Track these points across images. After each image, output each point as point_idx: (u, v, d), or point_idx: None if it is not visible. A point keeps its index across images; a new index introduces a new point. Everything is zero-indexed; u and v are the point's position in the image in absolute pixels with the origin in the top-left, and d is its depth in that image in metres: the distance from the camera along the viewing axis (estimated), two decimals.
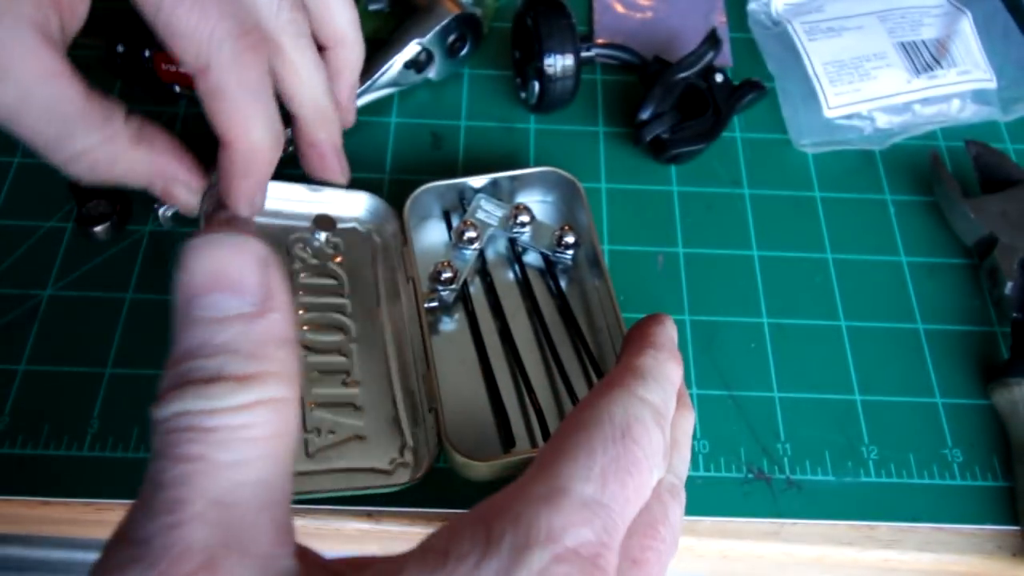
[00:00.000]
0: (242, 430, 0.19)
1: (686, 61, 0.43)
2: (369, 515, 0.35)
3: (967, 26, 0.48)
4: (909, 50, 0.47)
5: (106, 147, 0.30)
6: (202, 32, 0.27)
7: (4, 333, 0.38)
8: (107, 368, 0.37)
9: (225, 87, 0.28)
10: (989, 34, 0.48)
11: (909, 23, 0.48)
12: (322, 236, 0.40)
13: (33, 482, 0.35)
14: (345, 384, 0.36)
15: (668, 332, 0.29)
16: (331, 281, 0.39)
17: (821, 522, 0.35)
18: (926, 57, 0.47)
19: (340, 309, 0.38)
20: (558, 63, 0.42)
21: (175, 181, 0.33)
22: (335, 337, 0.37)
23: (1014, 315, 0.39)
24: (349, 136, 0.45)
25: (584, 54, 0.44)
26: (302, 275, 0.39)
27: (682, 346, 0.39)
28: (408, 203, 0.39)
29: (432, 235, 0.41)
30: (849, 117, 0.46)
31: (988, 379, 0.38)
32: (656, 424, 0.24)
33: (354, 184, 0.40)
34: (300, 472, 0.34)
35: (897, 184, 0.44)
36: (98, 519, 0.35)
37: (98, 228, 0.40)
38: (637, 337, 0.28)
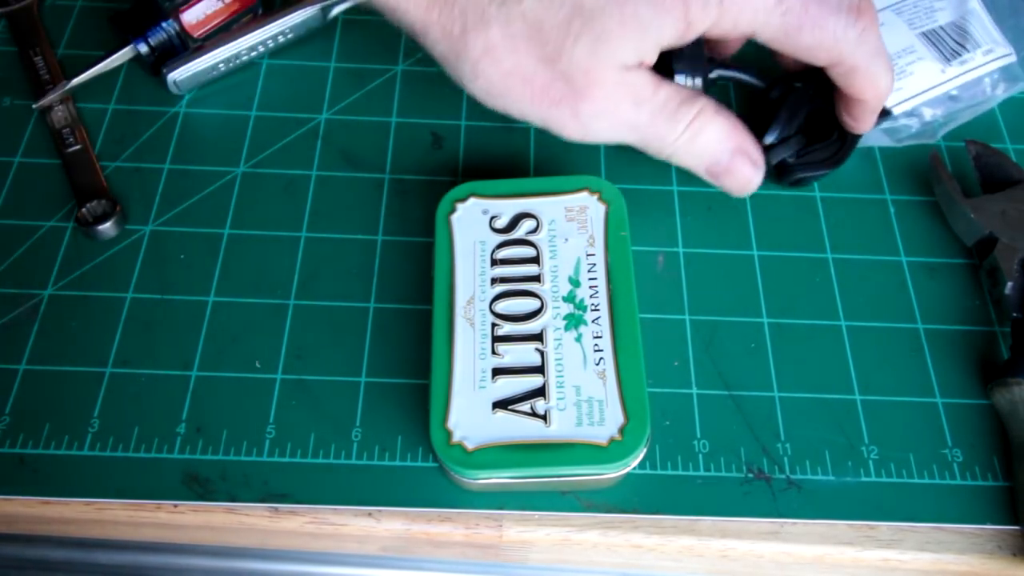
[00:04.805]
0: None
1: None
2: (369, 515, 0.35)
3: (975, 3, 0.48)
4: (933, 39, 0.47)
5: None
6: (827, 39, 0.36)
7: (4, 333, 0.38)
8: (107, 368, 0.37)
9: (856, 65, 0.37)
10: (996, 9, 0.48)
11: (923, 11, 0.48)
12: None
13: (33, 482, 0.35)
14: None
15: None
16: None
17: (821, 522, 0.35)
18: (951, 44, 0.46)
19: None
20: (687, 84, 0.40)
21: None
22: None
23: (1014, 315, 0.39)
24: (348, 137, 0.45)
25: (710, 75, 0.42)
26: None
27: (682, 346, 0.39)
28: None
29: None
30: (895, 117, 0.46)
31: (988, 379, 0.38)
32: None
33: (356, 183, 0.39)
34: None
35: (897, 184, 0.44)
36: (98, 519, 0.35)
37: (98, 228, 0.40)
38: None
